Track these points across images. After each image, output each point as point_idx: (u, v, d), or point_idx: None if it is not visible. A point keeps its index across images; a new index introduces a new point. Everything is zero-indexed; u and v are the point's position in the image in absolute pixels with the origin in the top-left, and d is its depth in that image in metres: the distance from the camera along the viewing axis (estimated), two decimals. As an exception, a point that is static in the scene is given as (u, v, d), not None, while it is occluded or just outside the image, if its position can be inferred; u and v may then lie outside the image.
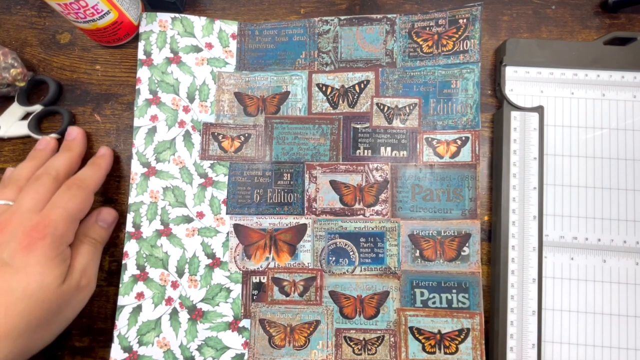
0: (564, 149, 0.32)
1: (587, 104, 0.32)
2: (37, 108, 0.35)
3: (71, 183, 0.30)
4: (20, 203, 0.28)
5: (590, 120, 0.32)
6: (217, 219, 0.33)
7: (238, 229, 0.33)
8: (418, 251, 0.32)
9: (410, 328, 0.32)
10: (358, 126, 0.34)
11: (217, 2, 0.36)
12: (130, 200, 0.33)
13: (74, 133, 0.34)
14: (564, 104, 0.32)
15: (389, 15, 0.34)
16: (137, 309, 0.32)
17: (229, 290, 0.33)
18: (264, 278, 0.33)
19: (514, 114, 0.32)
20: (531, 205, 0.31)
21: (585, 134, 0.32)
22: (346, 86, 0.34)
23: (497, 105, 0.34)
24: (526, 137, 0.32)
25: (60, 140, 0.35)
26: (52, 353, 0.33)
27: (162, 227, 0.33)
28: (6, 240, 0.27)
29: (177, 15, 0.35)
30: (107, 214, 0.33)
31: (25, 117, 0.35)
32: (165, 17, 0.35)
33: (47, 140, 0.34)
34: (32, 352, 0.27)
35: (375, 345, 0.32)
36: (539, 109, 0.32)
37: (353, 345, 0.32)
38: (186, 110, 0.34)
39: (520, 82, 0.33)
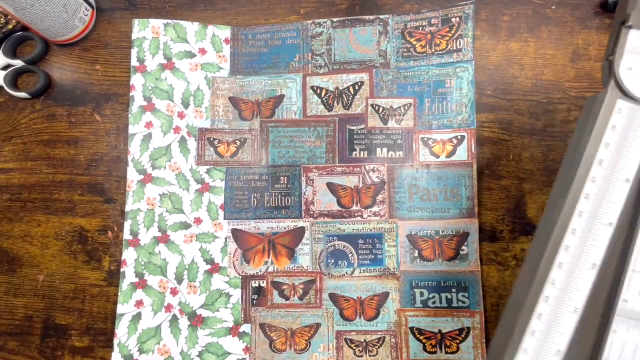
0: None
1: None
2: (18, 63, 0.36)
3: None
4: None
5: None
6: (215, 224, 0.33)
7: (236, 233, 0.33)
8: (417, 251, 0.32)
9: (411, 328, 0.31)
10: (353, 128, 0.34)
11: (217, 2, 0.36)
12: (127, 207, 0.33)
13: None
14: None
15: (382, 16, 0.34)
16: (137, 317, 0.32)
17: (228, 296, 0.33)
18: (263, 282, 0.33)
19: (622, 104, 0.21)
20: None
21: None
22: (340, 88, 0.34)
23: (496, 105, 0.33)
24: (626, 143, 0.20)
25: (30, 101, 0.35)
26: (52, 353, 0.33)
27: (159, 234, 0.33)
28: None
29: (169, 21, 0.35)
30: None
31: (5, 68, 0.36)
32: (157, 23, 0.35)
33: None
34: None
35: (376, 347, 0.32)
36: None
37: (354, 347, 0.32)
38: (181, 116, 0.34)
39: None
